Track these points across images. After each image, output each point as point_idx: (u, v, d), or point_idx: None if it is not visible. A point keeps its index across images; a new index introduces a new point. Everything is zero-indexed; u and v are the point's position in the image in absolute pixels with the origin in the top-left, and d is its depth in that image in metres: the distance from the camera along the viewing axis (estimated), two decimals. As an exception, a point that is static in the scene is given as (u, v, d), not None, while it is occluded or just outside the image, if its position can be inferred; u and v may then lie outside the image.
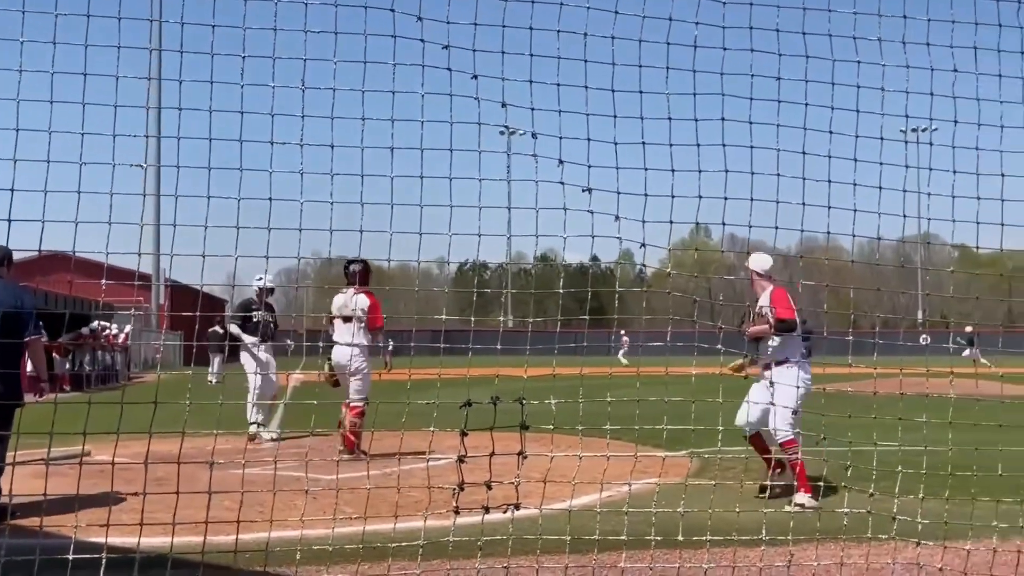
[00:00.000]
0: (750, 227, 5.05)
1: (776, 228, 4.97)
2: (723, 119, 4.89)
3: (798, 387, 6.66)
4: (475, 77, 4.58)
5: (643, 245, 4.82)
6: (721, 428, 5.08)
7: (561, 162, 4.69)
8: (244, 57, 4.45)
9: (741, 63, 4.83)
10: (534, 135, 4.75)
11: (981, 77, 5.14)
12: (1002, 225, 5.07)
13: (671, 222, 4.88)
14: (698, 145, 4.89)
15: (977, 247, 5.08)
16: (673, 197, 4.83)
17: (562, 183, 4.68)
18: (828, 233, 5.13)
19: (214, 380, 27.67)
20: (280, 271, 36.65)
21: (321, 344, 7.96)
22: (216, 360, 29.18)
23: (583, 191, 4.73)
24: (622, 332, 42.95)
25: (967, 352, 30.68)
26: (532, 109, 4.71)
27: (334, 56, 4.52)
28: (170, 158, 4.44)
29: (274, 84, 4.47)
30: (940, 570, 4.91)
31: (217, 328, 27.80)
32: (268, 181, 4.44)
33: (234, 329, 12.42)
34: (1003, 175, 5.10)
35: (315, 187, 4.61)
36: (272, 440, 11.47)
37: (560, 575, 4.73)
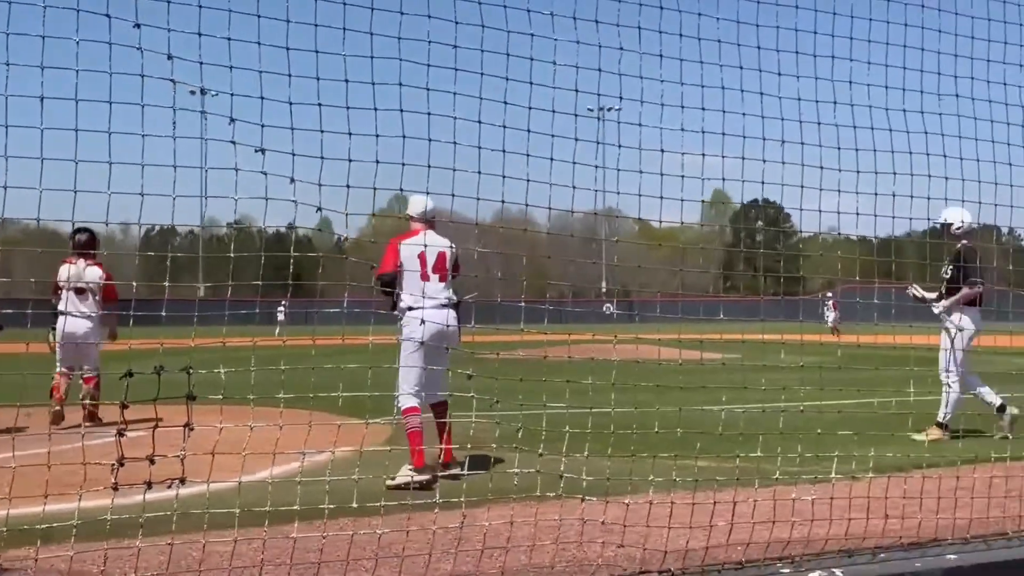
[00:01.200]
0: (453, 196, 5.01)
1: (478, 199, 4.98)
2: (428, 89, 4.83)
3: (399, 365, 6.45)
4: (137, 26, 4.26)
5: (347, 214, 4.71)
6: (398, 394, 5.08)
7: (232, 120, 4.48)
8: None
9: (446, 33, 4.79)
10: (203, 91, 4.52)
11: (665, 60, 5.38)
12: (682, 201, 5.36)
13: (375, 188, 4.80)
14: (401, 111, 4.81)
15: (660, 221, 5.35)
16: (377, 163, 4.74)
17: (233, 143, 4.47)
18: (527, 206, 5.21)
19: None
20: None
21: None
22: None
23: (256, 152, 4.55)
24: (282, 302, 42.43)
25: None
26: (200, 63, 4.46)
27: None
28: None
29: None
30: (603, 523, 5.16)
31: None
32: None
33: None
34: (683, 154, 5.39)
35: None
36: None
37: (229, 548, 4.57)
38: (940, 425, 10.10)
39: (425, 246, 7.19)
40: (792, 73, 5.59)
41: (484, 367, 5.11)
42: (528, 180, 5.00)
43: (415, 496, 4.86)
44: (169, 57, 4.39)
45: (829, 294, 48.42)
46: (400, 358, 6.31)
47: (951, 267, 10.35)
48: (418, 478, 6.28)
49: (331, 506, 4.78)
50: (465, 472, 5.89)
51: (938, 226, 10.33)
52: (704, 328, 5.96)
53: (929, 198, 5.88)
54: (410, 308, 6.87)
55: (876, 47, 5.73)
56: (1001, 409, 10.27)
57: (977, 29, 5.96)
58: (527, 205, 5.19)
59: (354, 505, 4.80)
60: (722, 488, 5.60)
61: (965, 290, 10.03)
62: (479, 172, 4.97)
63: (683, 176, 5.37)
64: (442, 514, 5.10)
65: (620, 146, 5.32)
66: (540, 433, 5.19)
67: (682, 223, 5.62)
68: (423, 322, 6.67)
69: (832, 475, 5.91)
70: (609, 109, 5.18)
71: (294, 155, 4.57)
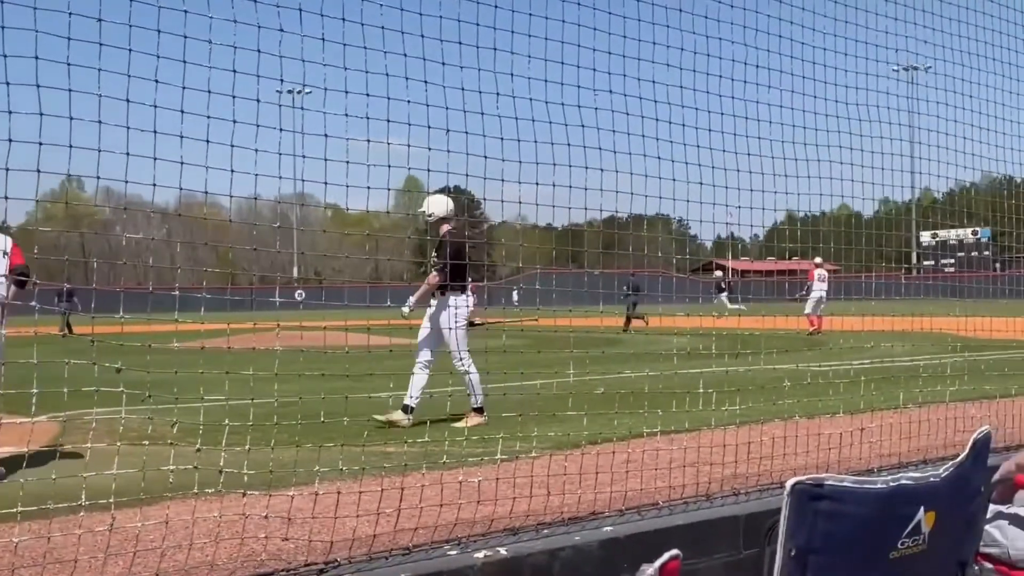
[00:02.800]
0: (126, 182, 4.61)
1: (154, 185, 4.61)
2: (68, 64, 4.41)
3: None
4: None
5: (5, 198, 4.25)
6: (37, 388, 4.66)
7: None
8: None
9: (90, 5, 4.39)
10: None
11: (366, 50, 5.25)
12: (368, 188, 5.27)
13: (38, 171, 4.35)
14: (38, 87, 4.37)
15: (348, 207, 5.24)
16: (41, 144, 4.28)
17: None
18: (207, 193, 4.92)
19: None
20: None
21: None
22: None
23: None
24: None
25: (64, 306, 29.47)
26: None
27: None
28: None
29: None
30: (266, 518, 5.01)
31: None
32: None
33: None
34: (368, 141, 5.31)
35: None
36: None
37: None
38: (477, 410, 9.44)
39: None
40: (456, 63, 5.65)
41: (134, 359, 4.81)
42: (207, 167, 4.74)
43: (57, 498, 4.48)
44: None
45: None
46: None
47: (435, 253, 10.37)
48: None
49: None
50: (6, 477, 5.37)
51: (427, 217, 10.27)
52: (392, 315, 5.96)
53: (601, 189, 6.15)
54: None
55: (536, 41, 5.90)
56: (479, 410, 9.62)
57: (628, 29, 6.28)
58: (207, 193, 4.94)
59: (-10, 512, 4.37)
60: (389, 474, 5.61)
61: (428, 280, 10.02)
62: (155, 157, 4.62)
63: (368, 165, 5.32)
64: (88, 516, 4.75)
65: (308, 134, 5.19)
66: (198, 427, 4.97)
67: (367, 210, 5.57)
68: None
69: (498, 455, 6.06)
70: (299, 92, 5.04)
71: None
